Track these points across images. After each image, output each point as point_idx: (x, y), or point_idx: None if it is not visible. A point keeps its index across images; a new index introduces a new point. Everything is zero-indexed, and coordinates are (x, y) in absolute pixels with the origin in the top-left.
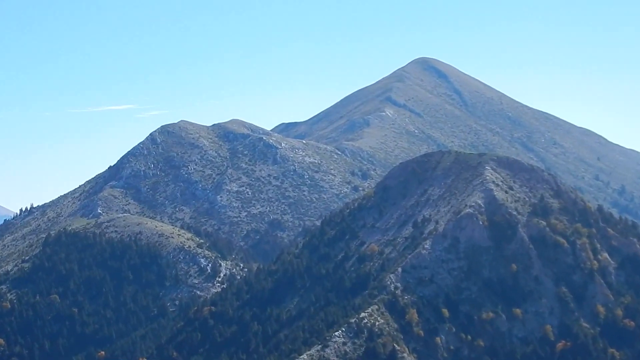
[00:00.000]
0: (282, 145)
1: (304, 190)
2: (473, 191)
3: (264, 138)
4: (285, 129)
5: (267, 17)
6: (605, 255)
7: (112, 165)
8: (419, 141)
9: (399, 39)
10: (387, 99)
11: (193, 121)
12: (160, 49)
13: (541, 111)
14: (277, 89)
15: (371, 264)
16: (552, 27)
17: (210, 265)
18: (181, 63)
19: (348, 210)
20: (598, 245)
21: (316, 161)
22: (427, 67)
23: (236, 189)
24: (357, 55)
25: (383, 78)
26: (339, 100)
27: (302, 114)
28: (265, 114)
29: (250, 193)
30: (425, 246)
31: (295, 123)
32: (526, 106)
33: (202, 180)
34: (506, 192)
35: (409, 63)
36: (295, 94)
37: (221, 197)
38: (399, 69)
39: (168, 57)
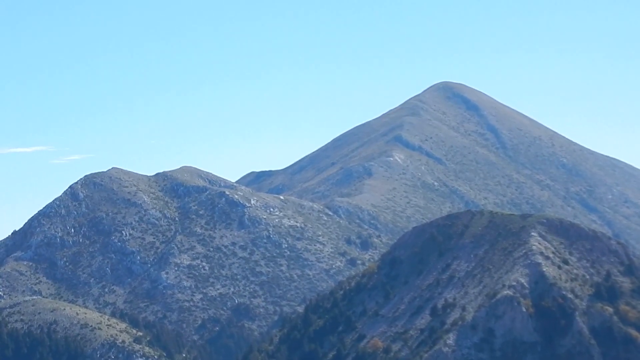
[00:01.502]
0: (252, 202)
1: (281, 265)
2: (514, 266)
3: (227, 192)
4: (256, 180)
5: (228, 32)
6: None
7: (17, 229)
8: (439, 197)
9: (413, 57)
10: (395, 139)
11: (128, 169)
12: (83, 73)
13: (607, 156)
14: (245, 127)
15: None
16: (623, 44)
17: None
18: (112, 92)
19: (342, 292)
20: None
21: (298, 224)
22: (452, 95)
23: (188, 263)
24: (355, 79)
25: (390, 110)
26: (329, 140)
27: (278, 159)
28: (229, 159)
29: (207, 268)
30: (448, 341)
31: (270, 172)
32: (587, 149)
33: (141, 251)
34: (559, 267)
35: (426, 90)
36: (270, 133)
37: (167, 273)
38: (413, 97)
39: (94, 84)
